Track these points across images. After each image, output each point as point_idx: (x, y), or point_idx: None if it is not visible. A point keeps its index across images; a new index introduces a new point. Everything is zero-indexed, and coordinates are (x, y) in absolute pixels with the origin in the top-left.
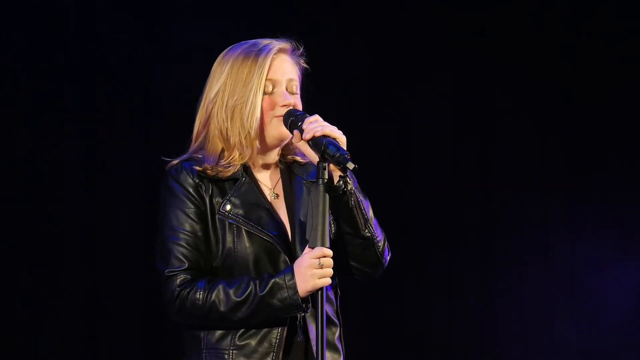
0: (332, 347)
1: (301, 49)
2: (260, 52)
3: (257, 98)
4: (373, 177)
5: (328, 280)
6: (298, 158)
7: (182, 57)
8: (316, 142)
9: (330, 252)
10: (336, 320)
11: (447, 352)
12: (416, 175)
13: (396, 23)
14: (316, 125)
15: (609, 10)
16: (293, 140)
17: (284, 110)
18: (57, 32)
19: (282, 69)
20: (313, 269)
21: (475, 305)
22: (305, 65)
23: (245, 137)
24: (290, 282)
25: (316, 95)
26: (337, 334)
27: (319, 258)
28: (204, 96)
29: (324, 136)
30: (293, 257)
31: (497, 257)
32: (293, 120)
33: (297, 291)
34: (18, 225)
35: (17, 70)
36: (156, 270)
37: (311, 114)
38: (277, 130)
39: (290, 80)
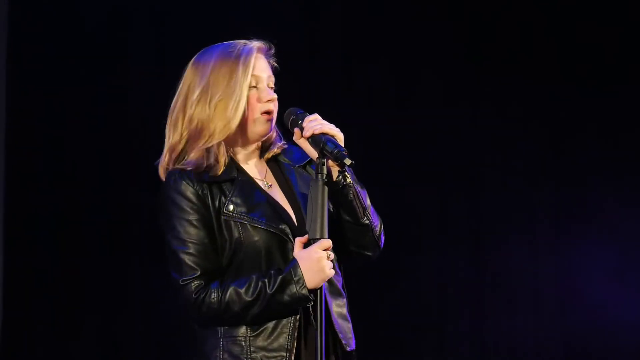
0: (344, 318)
1: (273, 49)
2: (241, 51)
3: (242, 91)
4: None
5: (333, 271)
6: (277, 149)
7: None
8: (315, 140)
9: (331, 243)
10: (343, 293)
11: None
12: (415, 174)
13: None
14: (315, 123)
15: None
16: (294, 138)
17: (269, 106)
18: None
19: (262, 66)
20: (324, 261)
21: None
22: (275, 64)
23: (224, 126)
24: (298, 277)
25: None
26: (345, 306)
27: (326, 249)
28: (182, 99)
29: (323, 134)
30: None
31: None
32: (294, 119)
33: (304, 285)
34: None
35: None
36: (170, 279)
37: (311, 113)
38: (262, 127)
39: (269, 77)
